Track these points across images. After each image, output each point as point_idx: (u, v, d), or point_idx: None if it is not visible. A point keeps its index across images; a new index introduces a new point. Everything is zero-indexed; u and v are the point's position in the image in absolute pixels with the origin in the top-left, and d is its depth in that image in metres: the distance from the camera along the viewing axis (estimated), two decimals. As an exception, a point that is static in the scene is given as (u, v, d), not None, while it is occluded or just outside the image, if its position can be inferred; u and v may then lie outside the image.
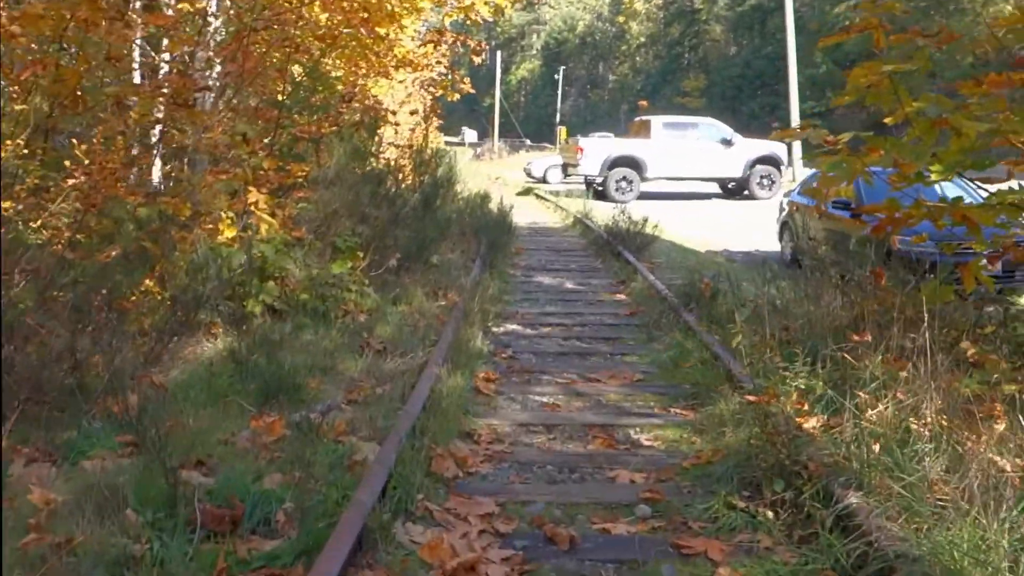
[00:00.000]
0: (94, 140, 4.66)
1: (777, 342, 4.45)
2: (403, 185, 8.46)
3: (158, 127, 6.23)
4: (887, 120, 4.25)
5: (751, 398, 3.53)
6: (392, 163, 8.81)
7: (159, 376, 4.07)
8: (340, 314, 5.78)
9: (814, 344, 4.17)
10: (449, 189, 10.40)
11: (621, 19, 71.50)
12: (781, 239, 11.21)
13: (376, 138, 8.82)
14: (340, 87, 9.67)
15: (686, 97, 51.97)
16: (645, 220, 9.74)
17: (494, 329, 5.69)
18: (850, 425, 3.13)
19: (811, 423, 3.28)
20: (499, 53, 63.07)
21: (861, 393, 3.40)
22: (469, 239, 9.48)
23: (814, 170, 11.35)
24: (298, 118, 9.03)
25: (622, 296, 7.17)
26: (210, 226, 5.10)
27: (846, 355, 3.76)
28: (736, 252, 12.49)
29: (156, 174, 6.78)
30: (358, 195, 6.01)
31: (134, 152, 5.51)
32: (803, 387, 3.67)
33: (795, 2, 23.61)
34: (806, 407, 3.48)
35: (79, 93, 4.83)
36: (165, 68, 8.86)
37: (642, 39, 69.23)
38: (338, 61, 10.84)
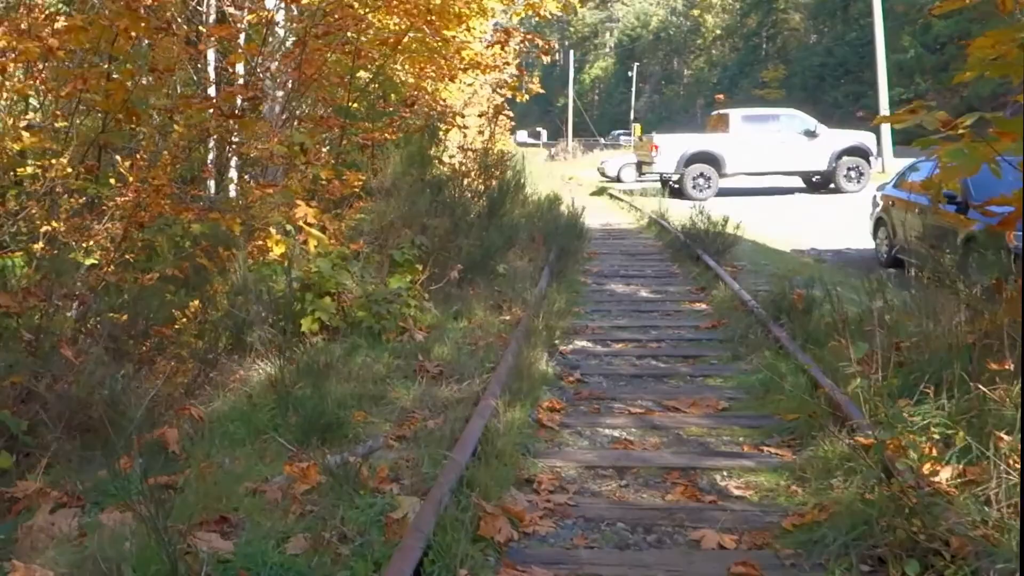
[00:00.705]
0: (138, 156, 4.47)
1: (889, 365, 3.82)
2: (468, 191, 8.10)
3: (212, 139, 6.10)
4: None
5: (863, 440, 2.95)
6: (457, 168, 8.48)
7: (199, 408, 3.81)
8: (397, 332, 5.46)
9: (936, 369, 3.53)
10: (517, 193, 10.00)
11: (696, 12, 69.57)
12: (875, 236, 10.27)
13: (439, 143, 8.51)
14: (405, 92, 9.42)
15: (765, 89, 49.96)
16: (725, 220, 9.05)
17: (561, 347, 5.22)
18: (995, 481, 2.52)
19: (944, 474, 2.68)
20: (572, 52, 62.50)
21: (1004, 436, 2.78)
22: (539, 244, 9.04)
23: (913, 160, 10.35)
24: (366, 125, 8.84)
25: (702, 306, 6.57)
26: (260, 243, 4.86)
27: (979, 385, 3.12)
28: (825, 251, 11.58)
29: (213, 187, 6.66)
30: (415, 204, 5.67)
31: (182, 166, 5.33)
32: (928, 425, 3.06)
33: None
34: (934, 451, 2.87)
35: (130, 107, 4.68)
36: (241, 80, 8.81)
37: (718, 32, 67.15)
38: (404, 65, 10.63)
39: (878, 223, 10.10)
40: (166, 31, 4.62)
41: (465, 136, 12.16)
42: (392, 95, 9.75)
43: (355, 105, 9.66)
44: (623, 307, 6.61)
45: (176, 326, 4.09)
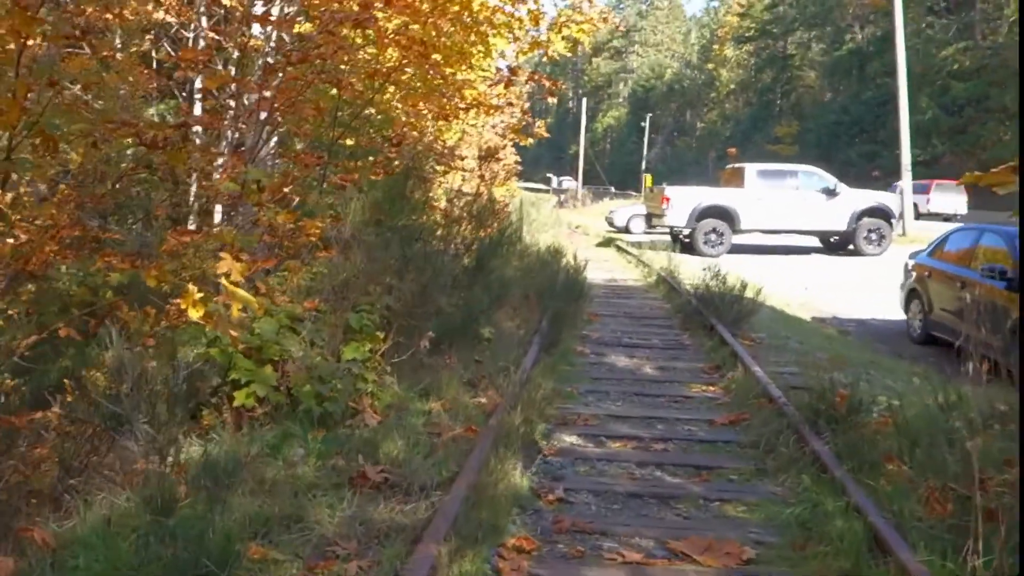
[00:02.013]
0: (21, 189, 3.58)
1: (973, 512, 2.82)
2: (453, 242, 7.20)
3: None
4: None
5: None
6: (446, 215, 7.59)
7: (46, 530, 2.83)
8: (347, 414, 4.49)
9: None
10: (512, 245, 9.10)
11: (711, 66, 69.90)
12: (907, 309, 9.29)
13: (426, 186, 7.65)
14: (393, 129, 8.62)
15: (778, 144, 49.56)
16: (744, 285, 8.10)
17: (544, 446, 4.23)
18: None
19: None
20: (585, 101, 62.69)
21: None
22: (533, 304, 8.09)
23: (954, 226, 9.41)
24: (347, 164, 8.03)
25: (716, 391, 5.58)
26: (178, 301, 3.93)
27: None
28: (847, 320, 10.59)
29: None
30: (379, 259, 4.75)
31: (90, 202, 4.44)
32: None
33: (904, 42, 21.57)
34: None
35: (43, 130, 3.82)
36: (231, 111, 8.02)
37: (732, 86, 67.29)
38: (397, 102, 9.88)
39: (911, 295, 9.14)
40: (79, 40, 3.79)
41: (464, 180, 11.33)
42: (382, 132, 8.95)
43: (349, 142, 8.88)
44: (623, 388, 5.62)
45: (40, 414, 3.13)
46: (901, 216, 19.07)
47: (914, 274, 9.16)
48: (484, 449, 3.62)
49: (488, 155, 8.13)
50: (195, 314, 3.91)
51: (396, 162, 8.18)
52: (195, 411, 4.37)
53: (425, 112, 9.84)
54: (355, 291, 4.73)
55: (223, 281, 3.82)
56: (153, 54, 9.10)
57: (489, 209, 7.77)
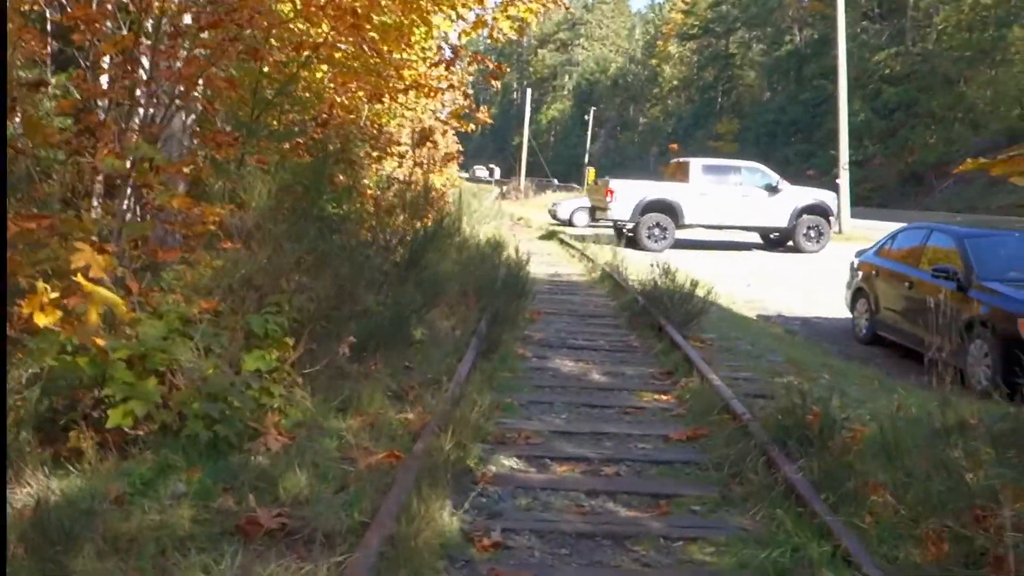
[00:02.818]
0: None
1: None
2: (384, 234, 6.53)
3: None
4: None
5: None
6: (375, 205, 6.91)
7: None
8: (247, 436, 3.81)
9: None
10: (451, 237, 8.47)
11: (654, 62, 70.44)
12: (853, 308, 9.07)
13: (351, 171, 6.95)
14: (318, 107, 7.86)
15: (719, 141, 50.20)
16: (694, 284, 7.67)
17: (479, 472, 3.63)
18: None
19: None
20: (529, 92, 62.21)
21: None
22: (472, 300, 7.49)
23: (901, 225, 9.24)
24: (265, 145, 7.25)
25: (670, 400, 5.09)
26: (22, 304, 3.16)
27: None
28: (792, 319, 10.35)
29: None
30: (287, 253, 4.06)
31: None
32: None
33: (836, 48, 21.74)
34: None
35: None
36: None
37: (675, 82, 67.97)
38: (327, 81, 9.10)
39: (857, 293, 8.92)
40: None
41: (400, 166, 10.60)
42: (309, 111, 8.17)
43: (273, 122, 8.08)
44: (569, 398, 5.08)
45: None
46: (838, 214, 19.21)
47: (860, 273, 8.95)
48: (406, 485, 3.00)
49: (423, 137, 7.46)
50: (44, 320, 3.16)
51: (322, 144, 7.45)
52: (60, 435, 3.63)
53: (358, 92, 9.09)
54: (258, 290, 4.04)
55: (79, 278, 3.08)
56: (48, 15, 8.09)
57: (425, 198, 7.12)
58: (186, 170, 5.86)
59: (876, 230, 21.92)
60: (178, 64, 6.00)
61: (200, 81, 6.59)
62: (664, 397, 5.13)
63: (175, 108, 7.39)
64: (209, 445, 3.62)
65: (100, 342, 3.37)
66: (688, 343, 6.43)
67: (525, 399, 4.97)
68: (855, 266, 9.14)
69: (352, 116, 9.82)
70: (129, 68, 7.22)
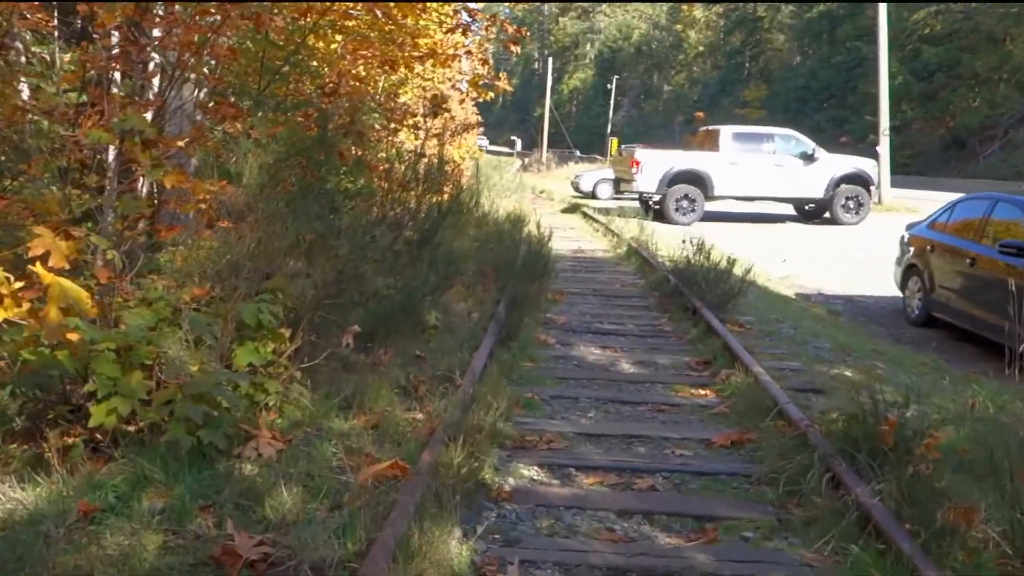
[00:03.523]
0: None
1: None
2: (395, 210, 6.05)
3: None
4: None
5: None
6: (385, 179, 6.42)
7: None
8: (239, 439, 3.40)
9: None
10: (469, 213, 7.97)
11: (679, 27, 68.48)
12: (904, 287, 8.42)
13: (360, 144, 6.45)
14: (325, 76, 7.35)
15: (746, 108, 48.72)
16: (731, 261, 7.11)
17: (495, 484, 3.17)
18: None
19: None
20: (551, 61, 60.98)
21: None
22: (491, 279, 7.01)
23: (957, 196, 8.55)
24: (272, 117, 6.78)
25: (709, 395, 4.58)
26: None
27: None
28: (833, 298, 9.73)
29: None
30: (281, 234, 3.60)
31: None
32: None
33: (872, 8, 20.61)
34: None
35: None
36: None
37: (700, 48, 66.08)
38: (338, 49, 8.58)
39: (908, 271, 8.26)
40: None
41: (416, 138, 10.09)
42: (316, 81, 7.67)
43: (282, 92, 7.60)
44: (596, 392, 4.59)
45: None
46: (878, 184, 18.32)
47: (912, 248, 8.28)
48: (407, 510, 2.54)
49: (436, 105, 6.93)
50: (3, 313, 2.75)
51: (325, 116, 6.96)
52: (39, 434, 3.26)
53: (369, 59, 8.55)
54: (249, 276, 3.59)
55: (37, 267, 2.65)
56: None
57: (439, 171, 6.61)
58: (181, 144, 5.42)
59: (919, 200, 20.98)
60: (178, 31, 5.55)
61: (205, 52, 6.14)
62: (703, 392, 4.61)
63: (180, 79, 6.93)
64: (193, 452, 3.21)
65: (73, 337, 2.95)
66: (726, 327, 5.91)
67: (547, 393, 4.50)
68: (905, 241, 8.47)
69: (363, 86, 9.30)
70: (133, 37, 6.75)
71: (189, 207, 4.22)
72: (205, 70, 6.70)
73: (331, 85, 6.88)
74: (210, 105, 7.30)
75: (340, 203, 4.55)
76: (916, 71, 37.76)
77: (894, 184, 22.55)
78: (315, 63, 8.57)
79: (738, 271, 6.92)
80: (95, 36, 6.07)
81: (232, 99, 7.25)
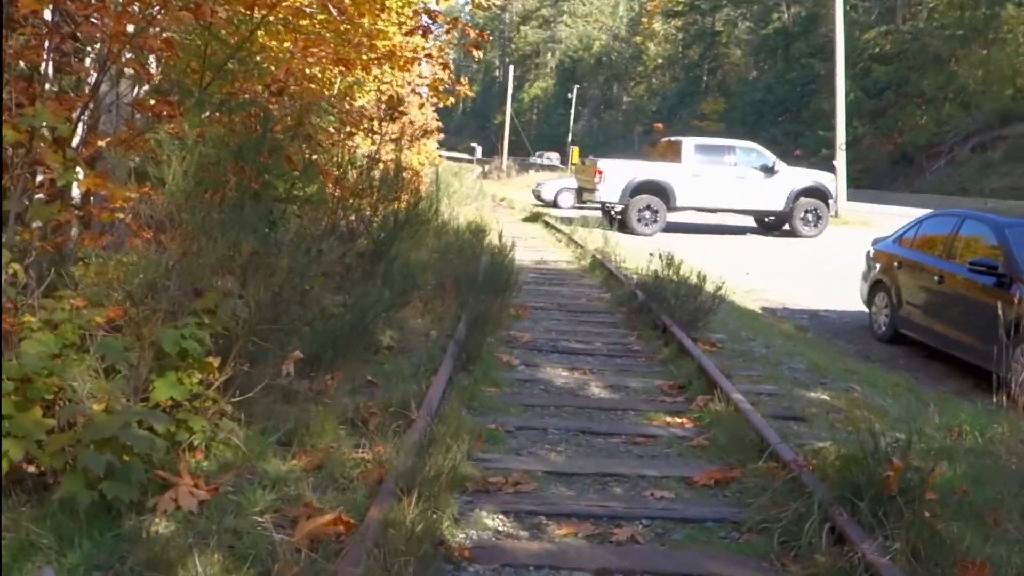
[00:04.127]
0: None
1: None
2: (347, 220, 5.60)
3: None
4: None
5: None
6: (335, 186, 5.96)
7: None
8: (154, 488, 2.92)
9: None
10: (427, 223, 7.55)
11: (639, 39, 69.19)
12: (871, 303, 8.27)
13: (309, 147, 5.99)
14: (271, 73, 6.85)
15: (704, 120, 49.30)
16: (701, 277, 6.83)
17: (454, 541, 2.76)
18: None
19: None
20: (512, 69, 60.91)
21: None
22: (451, 294, 6.60)
23: (907, 210, 8.44)
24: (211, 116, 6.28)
25: (687, 424, 4.24)
26: None
27: None
28: (798, 312, 9.56)
29: None
30: (209, 250, 3.13)
31: None
32: None
33: (825, 26, 20.96)
34: None
35: None
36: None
37: (659, 60, 66.82)
38: (290, 47, 8.08)
39: (875, 286, 8.11)
40: None
41: (372, 143, 9.63)
42: (264, 78, 7.16)
43: (225, 89, 7.08)
44: (565, 422, 4.22)
45: None
46: (835, 197, 18.45)
47: (878, 264, 8.14)
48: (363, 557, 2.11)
49: (391, 107, 6.50)
50: None
51: (277, 116, 6.47)
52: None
53: (320, 58, 8.06)
54: (171, 295, 3.11)
55: None
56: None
57: (395, 178, 6.18)
58: (102, 143, 4.89)
59: (875, 214, 21.26)
60: (108, 21, 5.05)
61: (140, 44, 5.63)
62: (679, 420, 4.27)
63: (117, 73, 6.38)
64: (97, 507, 2.72)
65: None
66: (698, 347, 5.60)
67: (513, 424, 4.10)
68: (871, 256, 8.33)
69: (315, 86, 8.81)
70: (55, 26, 6.16)
71: (105, 215, 3.71)
72: (141, 65, 6.18)
73: (279, 84, 6.39)
74: (151, 103, 6.73)
75: (281, 213, 4.08)
76: (867, 88, 38.64)
77: (854, 197, 22.85)
78: (265, 63, 8.06)
79: (709, 287, 6.63)
80: (17, 23, 5.48)
81: (175, 97, 6.72)
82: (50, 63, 5.30)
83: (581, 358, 5.67)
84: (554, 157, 54.04)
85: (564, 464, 3.59)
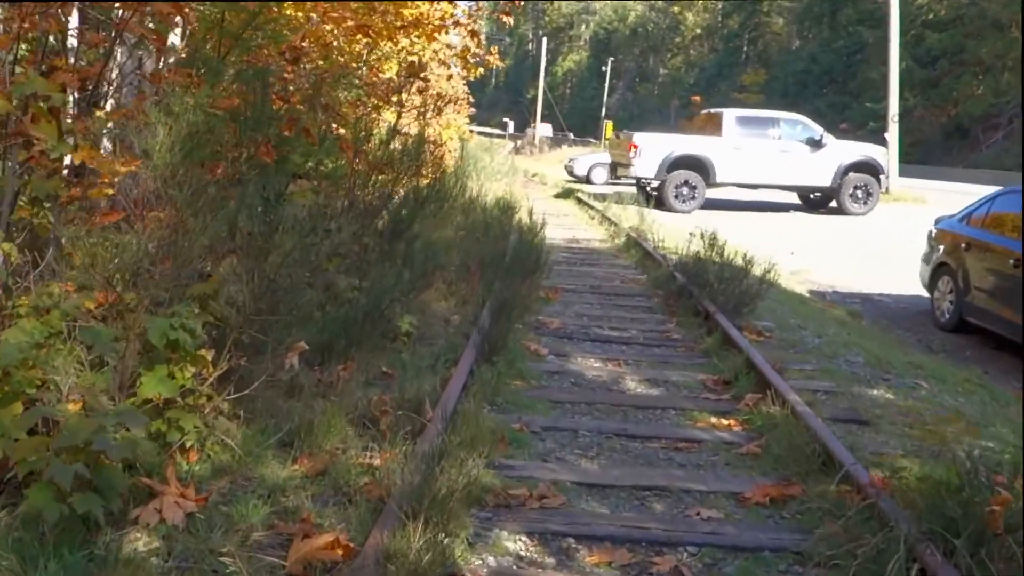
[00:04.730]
0: None
1: None
2: (365, 197, 5.22)
3: None
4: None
5: None
6: (350, 160, 5.57)
7: None
8: (141, 496, 2.62)
9: None
10: (452, 199, 7.14)
11: (676, 9, 67.27)
12: (933, 287, 7.66)
13: (324, 119, 5.61)
14: (288, 39, 6.46)
15: (744, 92, 47.79)
16: (748, 260, 6.32)
17: (468, 567, 2.39)
18: None
19: None
20: (544, 42, 59.83)
21: None
22: (476, 276, 6.21)
23: (997, 188, 7.77)
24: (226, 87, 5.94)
25: (734, 426, 3.80)
26: None
27: None
28: (849, 296, 8.98)
29: None
30: (198, 230, 2.77)
31: None
32: None
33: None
34: None
35: None
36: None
37: (697, 31, 64.95)
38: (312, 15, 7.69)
39: (938, 270, 7.50)
40: None
41: (400, 116, 9.24)
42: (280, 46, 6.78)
43: (243, 59, 6.74)
44: (597, 422, 3.81)
45: None
46: (886, 172, 17.54)
47: (942, 246, 7.51)
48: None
49: (411, 74, 6.06)
50: None
51: (292, 87, 6.12)
52: None
53: (341, 23, 7.65)
54: (158, 281, 2.77)
55: None
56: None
57: (417, 151, 5.77)
58: (100, 114, 4.55)
59: (929, 190, 20.22)
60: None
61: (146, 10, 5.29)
62: (726, 422, 3.83)
63: (130, 43, 6.07)
64: (69, 521, 2.41)
65: None
66: (744, 336, 5.14)
67: (539, 423, 3.70)
68: (934, 236, 7.70)
69: (340, 56, 8.42)
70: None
71: (95, 192, 3.38)
72: (157, 33, 5.83)
73: (295, 51, 6.00)
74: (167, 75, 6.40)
75: (284, 188, 3.70)
76: (919, 57, 36.92)
77: (907, 173, 21.78)
78: (283, 31, 7.68)
79: (756, 271, 6.13)
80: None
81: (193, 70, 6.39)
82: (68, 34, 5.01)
83: (615, 347, 5.24)
84: (509, 124, 53.29)
85: (597, 474, 3.18)
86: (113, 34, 5.67)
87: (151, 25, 6.22)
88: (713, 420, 3.86)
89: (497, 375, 4.19)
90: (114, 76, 6.02)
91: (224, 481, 2.87)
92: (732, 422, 3.83)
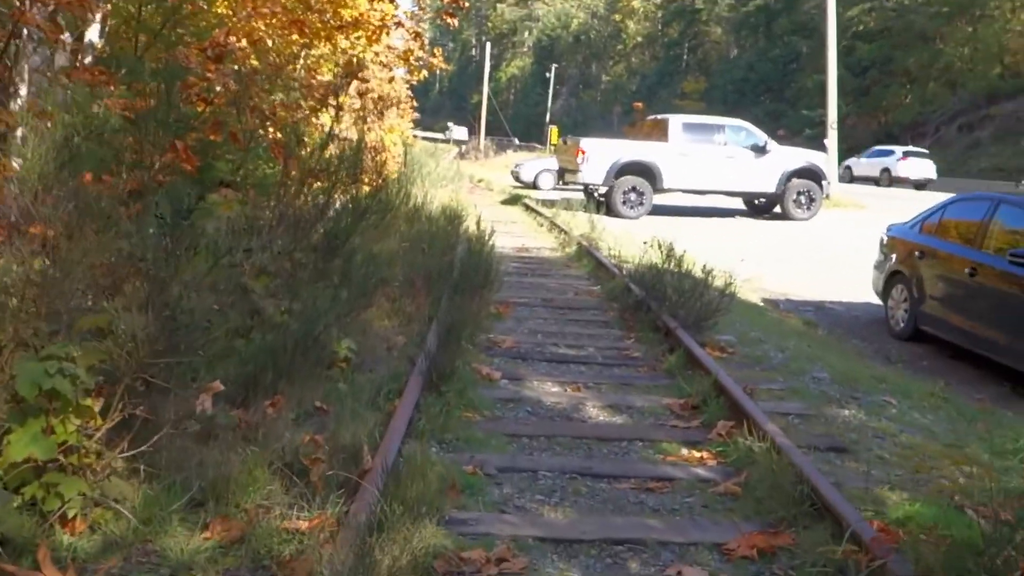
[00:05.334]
0: None
1: None
2: (292, 208, 4.73)
3: None
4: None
5: None
6: (284, 168, 5.07)
7: None
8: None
9: None
10: (395, 208, 6.68)
11: (617, 17, 68.07)
12: (887, 295, 7.55)
13: (250, 122, 5.10)
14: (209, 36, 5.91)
15: (685, 100, 48.51)
16: (708, 272, 6.06)
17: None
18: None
19: None
20: (488, 47, 59.64)
21: None
22: (422, 290, 5.77)
23: (950, 195, 7.73)
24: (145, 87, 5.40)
25: (707, 459, 3.47)
26: None
27: None
28: (803, 305, 8.85)
29: None
30: (83, 253, 2.28)
31: None
32: None
33: (808, 3, 20.26)
34: None
35: None
36: None
37: (639, 39, 65.85)
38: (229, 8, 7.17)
39: (892, 278, 7.40)
40: None
41: (339, 121, 8.71)
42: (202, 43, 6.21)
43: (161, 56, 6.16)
44: (559, 460, 3.42)
45: None
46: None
47: (894, 254, 7.42)
48: None
49: (349, 74, 5.59)
50: None
51: (218, 87, 5.58)
52: None
53: (273, 21, 7.13)
54: (26, 317, 2.26)
55: None
56: None
57: (356, 158, 5.30)
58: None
59: (867, 196, 20.63)
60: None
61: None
62: (698, 455, 3.50)
63: (33, 39, 5.49)
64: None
65: None
66: (706, 352, 4.85)
67: (494, 464, 3.29)
68: (886, 244, 7.61)
69: (275, 56, 7.87)
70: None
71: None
72: (55, 24, 5.25)
73: (219, 48, 5.45)
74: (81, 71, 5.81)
75: (192, 202, 3.21)
76: (851, 66, 38.03)
77: (846, 178, 22.22)
78: (207, 28, 7.12)
79: (717, 282, 5.87)
80: None
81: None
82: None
83: (573, 368, 4.88)
84: (457, 131, 53.13)
85: (563, 526, 2.79)
86: (11, 27, 5.06)
87: (61, 20, 5.60)
88: (684, 452, 3.52)
89: (446, 407, 3.77)
90: (25, 74, 5.39)
91: (115, 559, 2.37)
92: (705, 454, 3.49)
